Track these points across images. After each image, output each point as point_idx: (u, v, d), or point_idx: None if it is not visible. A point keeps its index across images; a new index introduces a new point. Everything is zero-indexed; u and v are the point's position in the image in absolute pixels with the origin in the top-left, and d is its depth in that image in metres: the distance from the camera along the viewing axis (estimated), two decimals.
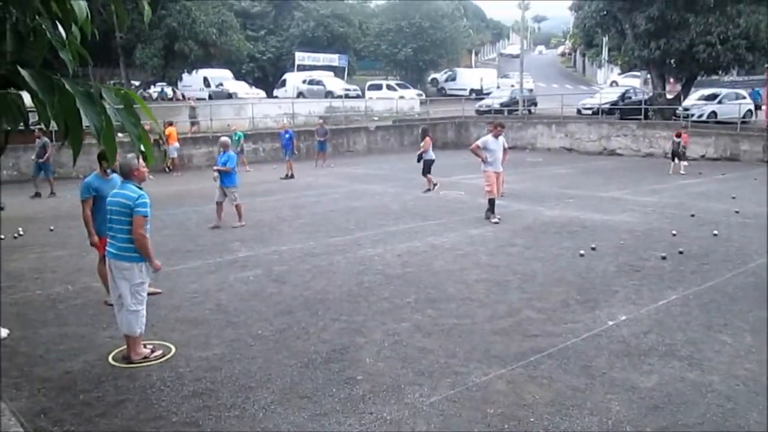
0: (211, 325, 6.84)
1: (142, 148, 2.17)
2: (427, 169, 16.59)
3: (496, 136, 12.36)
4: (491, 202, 12.36)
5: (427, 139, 16.85)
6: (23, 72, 1.78)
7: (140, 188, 5.81)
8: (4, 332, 6.62)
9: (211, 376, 5.53)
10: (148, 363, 5.79)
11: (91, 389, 5.33)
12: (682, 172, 19.65)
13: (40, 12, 1.92)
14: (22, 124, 2.19)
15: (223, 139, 12.99)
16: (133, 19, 29.16)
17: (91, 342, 6.42)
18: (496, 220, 12.12)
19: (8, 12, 1.93)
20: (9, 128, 2.08)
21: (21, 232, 11.97)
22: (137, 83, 36.96)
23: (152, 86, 39.29)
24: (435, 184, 16.54)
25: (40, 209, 15.20)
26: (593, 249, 9.80)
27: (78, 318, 7.20)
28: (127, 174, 5.86)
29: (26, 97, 2.09)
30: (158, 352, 5.95)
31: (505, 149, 12.75)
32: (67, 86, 1.77)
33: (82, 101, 1.78)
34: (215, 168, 12.59)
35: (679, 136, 20.53)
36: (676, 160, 20.11)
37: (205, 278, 8.73)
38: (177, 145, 23.47)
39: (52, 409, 4.98)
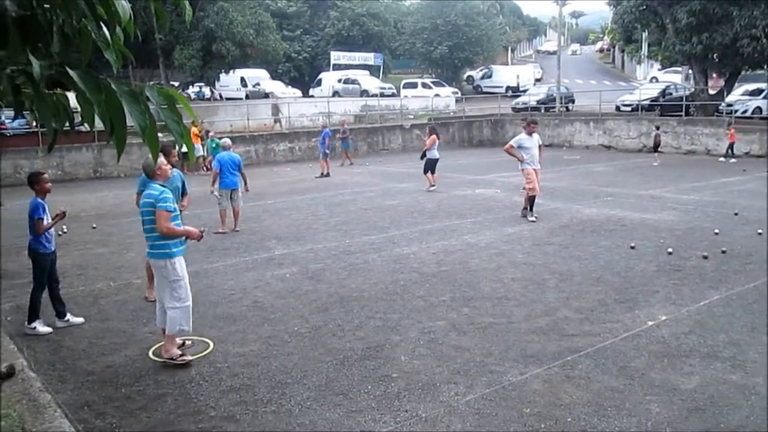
0: (248, 322, 6.93)
1: (184, 147, 2.22)
2: (428, 167, 16.63)
3: (530, 134, 12.22)
4: (532, 199, 12.16)
5: (432, 137, 16.83)
6: (71, 72, 1.83)
7: (164, 186, 5.92)
8: (79, 320, 7.08)
9: (248, 372, 5.61)
10: (174, 363, 5.75)
11: (132, 383, 5.45)
12: (655, 163, 21.60)
13: (86, 14, 1.98)
14: (67, 124, 2.25)
15: (225, 140, 12.65)
16: (172, 20, 29.80)
17: (132, 337, 6.57)
18: (533, 218, 11.99)
19: (55, 14, 1.99)
20: (57, 128, 2.14)
21: (65, 230, 12.28)
22: (176, 84, 37.60)
23: (190, 87, 39.92)
24: (432, 185, 16.56)
25: (84, 207, 15.57)
26: (632, 248, 9.64)
27: (119, 313, 7.37)
28: (151, 174, 6.01)
29: (71, 99, 2.16)
30: (188, 357, 5.83)
31: (540, 146, 12.52)
32: (113, 86, 1.82)
33: (127, 100, 1.83)
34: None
35: (658, 128, 23.40)
36: (655, 151, 22.55)
37: (243, 275, 8.85)
38: (199, 145, 23.54)
39: (95, 402, 5.11)
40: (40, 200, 6.80)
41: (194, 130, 23.33)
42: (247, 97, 37.98)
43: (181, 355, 5.80)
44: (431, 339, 6.23)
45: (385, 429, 4.56)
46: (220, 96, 39.45)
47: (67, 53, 2.04)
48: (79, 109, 2.01)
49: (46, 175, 7.06)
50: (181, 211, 8.02)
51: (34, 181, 6.91)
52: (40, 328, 6.73)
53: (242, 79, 39.94)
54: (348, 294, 7.80)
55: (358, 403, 4.95)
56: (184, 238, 5.90)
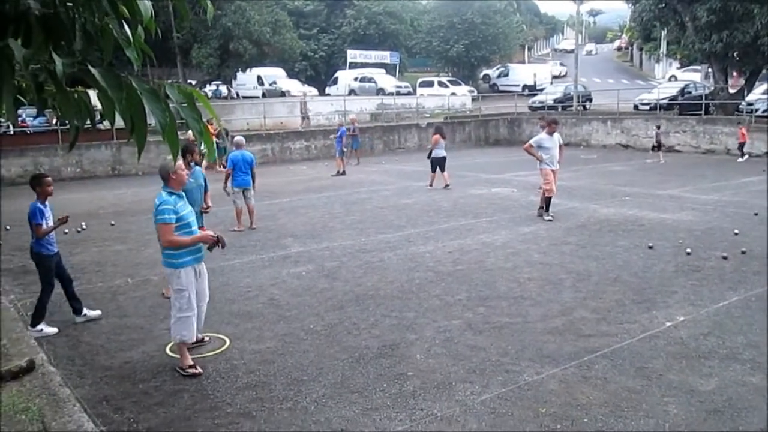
0: (265, 319, 6.96)
1: (203, 146, 2.24)
2: (434, 166, 16.77)
3: (550, 134, 12.12)
4: (548, 200, 12.12)
5: (436, 136, 16.91)
6: (93, 70, 1.85)
7: (172, 193, 5.56)
8: (96, 312, 7.17)
9: (264, 369, 5.63)
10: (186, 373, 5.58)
11: (149, 379, 5.50)
12: (661, 161, 21.81)
13: (108, 12, 2.00)
14: (89, 121, 2.28)
15: (238, 138, 12.58)
16: (190, 19, 30.02)
17: (150, 333, 6.63)
18: (549, 218, 11.93)
19: (77, 12, 2.01)
20: (78, 126, 2.16)
21: (84, 227, 12.41)
22: (193, 82, 37.85)
23: (208, 85, 40.16)
24: (430, 185, 16.72)
25: (102, 204, 15.73)
26: (650, 248, 9.56)
27: (137, 309, 7.44)
28: (165, 179, 5.62)
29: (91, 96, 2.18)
30: (197, 369, 5.58)
31: (561, 146, 12.42)
32: (134, 84, 1.84)
33: (147, 98, 1.84)
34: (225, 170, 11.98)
35: (659, 127, 23.66)
36: (656, 150, 22.53)
37: (259, 273, 8.89)
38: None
39: (113, 397, 5.17)
40: (39, 204, 6.67)
41: (209, 128, 23.48)
42: (263, 95, 38.13)
43: (190, 366, 5.57)
44: (447, 338, 6.22)
45: (401, 427, 4.56)
46: (237, 94, 39.63)
47: (89, 51, 2.07)
48: (100, 107, 2.04)
49: (49, 178, 6.92)
50: (205, 211, 8.12)
51: (36, 183, 6.76)
52: (46, 329, 6.71)
53: (259, 78, 40.09)
54: (363, 292, 7.82)
55: (373, 401, 4.96)
56: (200, 245, 5.63)
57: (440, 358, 5.74)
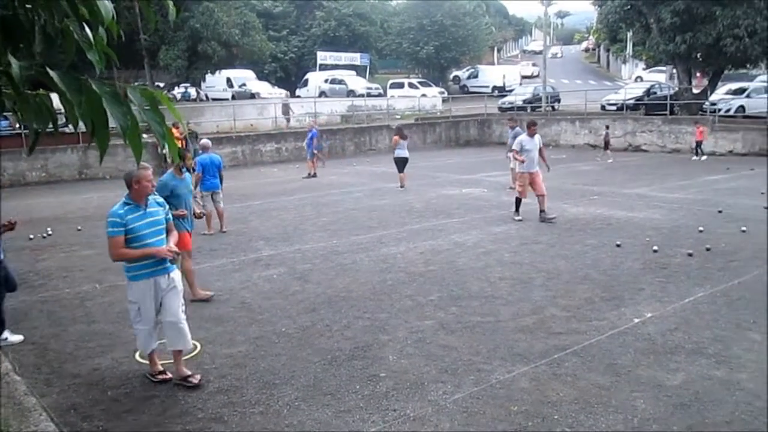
0: (236, 323, 6.91)
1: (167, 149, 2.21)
2: (400, 166, 17.07)
3: (531, 135, 12.12)
4: (517, 200, 12.22)
5: (396, 137, 17.24)
6: (51, 73, 1.82)
7: (128, 203, 5.20)
8: (18, 338, 6.58)
9: (236, 373, 5.59)
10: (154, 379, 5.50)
11: (118, 385, 5.42)
12: (610, 160, 22.41)
13: (68, 14, 1.96)
14: (51, 125, 2.23)
15: (204, 141, 12.47)
16: (157, 20, 29.62)
17: (119, 339, 6.53)
18: (519, 218, 12.04)
19: (37, 14, 1.98)
20: (39, 129, 2.12)
21: (49, 232, 12.19)
22: (161, 84, 37.42)
23: (176, 87, 39.72)
24: (402, 186, 16.91)
25: (69, 209, 15.45)
26: (618, 246, 9.70)
27: (106, 315, 7.32)
28: (127, 186, 5.25)
29: (55, 100, 2.14)
30: (167, 375, 5.43)
31: (541, 148, 12.37)
32: (94, 86, 1.81)
33: (108, 101, 1.81)
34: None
35: (608, 128, 24.87)
36: (605, 150, 23.42)
37: (230, 276, 8.82)
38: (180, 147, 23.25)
39: (81, 405, 5.08)
40: None
41: (175, 132, 23.17)
42: (233, 97, 37.87)
43: (159, 372, 5.46)
44: (419, 338, 6.24)
45: (374, 429, 4.56)
46: (206, 97, 39.29)
47: (51, 53, 2.03)
48: (64, 110, 2.00)
49: None
50: (199, 216, 8.06)
51: None
52: (11, 337, 6.50)
53: (228, 80, 39.82)
54: (336, 294, 7.80)
55: (346, 403, 4.95)
56: (159, 259, 5.23)
57: (413, 359, 5.75)
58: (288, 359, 5.85)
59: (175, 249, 5.41)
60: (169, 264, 5.36)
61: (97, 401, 5.14)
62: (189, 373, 5.40)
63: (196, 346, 6.20)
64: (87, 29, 2.12)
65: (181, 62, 32.01)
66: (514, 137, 16.35)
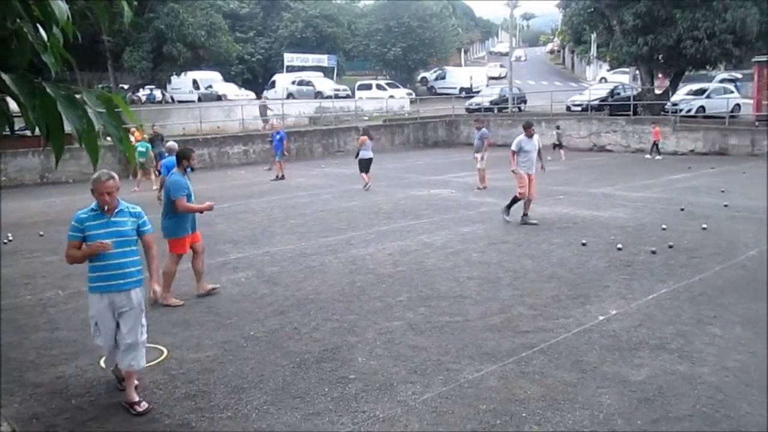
0: (204, 327, 6.83)
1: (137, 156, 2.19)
2: (362, 167, 17.18)
3: (529, 136, 11.76)
4: (515, 199, 11.87)
5: (363, 137, 17.45)
6: (3, 76, 1.78)
7: (94, 210, 4.98)
8: None
9: (203, 378, 5.53)
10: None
11: (83, 393, 5.32)
12: (563, 159, 22.98)
13: (21, 15, 1.92)
14: (7, 128, 2.19)
15: (170, 143, 12.35)
16: (120, 22, 29.13)
17: (83, 346, 6.40)
18: (508, 218, 11.79)
19: None
20: None
21: (10, 238, 11.90)
22: (126, 86, 36.84)
23: (141, 89, 39.14)
24: (367, 184, 17.03)
25: (30, 214, 15.11)
26: (584, 245, 9.85)
27: (69, 323, 7.18)
28: (92, 192, 4.99)
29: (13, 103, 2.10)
30: (141, 406, 4.99)
31: (540, 149, 11.97)
32: (48, 89, 1.77)
33: (63, 104, 1.78)
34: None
35: (559, 128, 25.31)
36: (557, 149, 23.89)
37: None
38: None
39: (44, 414, 4.97)
40: None
41: (137, 135, 22.79)
42: (199, 99, 37.46)
43: (124, 379, 5.17)
44: (388, 339, 6.25)
45: (343, 430, 4.56)
46: (172, 99, 38.78)
47: (4, 57, 1.98)
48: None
49: None
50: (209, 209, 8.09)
51: None
52: None
53: (194, 82, 39.39)
54: (304, 297, 7.77)
55: (315, 406, 4.93)
56: (120, 272, 4.93)
57: (382, 360, 5.76)
58: (257, 363, 5.81)
59: (157, 290, 5.25)
60: (129, 280, 4.95)
61: (60, 410, 5.04)
62: (137, 399, 5.00)
63: (162, 352, 6.13)
64: (42, 30, 2.07)
65: (145, 64, 31.56)
66: (481, 138, 16.53)
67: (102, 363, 5.87)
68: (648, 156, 23.02)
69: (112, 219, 4.97)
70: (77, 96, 1.82)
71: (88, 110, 1.84)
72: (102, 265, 4.90)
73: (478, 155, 16.43)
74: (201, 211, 7.95)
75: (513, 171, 11.83)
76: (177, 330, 6.77)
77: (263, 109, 31.50)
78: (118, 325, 4.97)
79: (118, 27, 27.46)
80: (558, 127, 25.70)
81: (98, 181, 4.88)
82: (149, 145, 20.05)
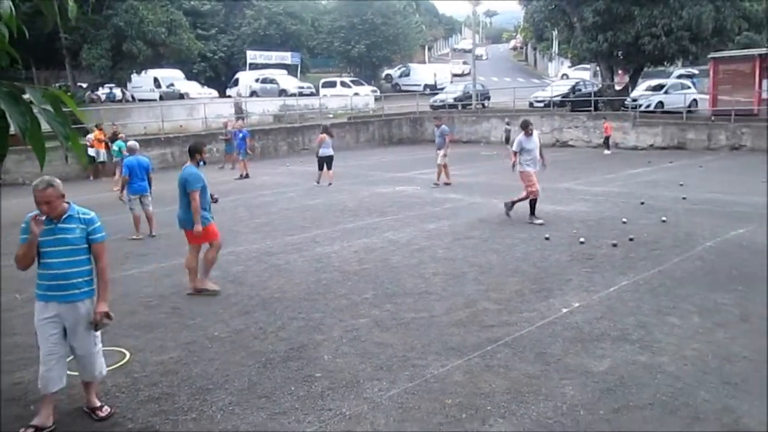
0: (167, 329, 6.74)
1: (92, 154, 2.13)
2: (321, 164, 17.49)
3: (528, 135, 11.52)
4: (533, 202, 11.47)
5: (322, 135, 17.82)
6: None
7: (50, 219, 4.63)
8: None
9: (167, 380, 5.45)
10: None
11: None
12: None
13: None
14: None
15: (131, 143, 12.23)
16: (78, 19, 28.49)
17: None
18: (540, 221, 11.21)
19: None
20: None
21: None
22: (84, 85, 36.06)
23: (100, 88, 38.35)
24: (317, 182, 17.40)
25: None
26: (547, 239, 9.97)
27: (27, 327, 6.95)
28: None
29: None
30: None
31: (540, 147, 11.78)
32: None
33: (6, 101, 1.72)
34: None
35: (509, 124, 26.07)
36: (508, 143, 23.83)
37: (160, 282, 8.60)
38: (103, 150, 22.41)
39: (2, 422, 4.84)
40: None
41: (97, 134, 22.35)
42: (161, 98, 36.87)
43: (95, 409, 4.90)
44: (354, 337, 6.25)
45: (309, 429, 4.54)
46: (132, 97, 38.11)
47: None
48: None
49: None
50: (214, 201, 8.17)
51: None
52: None
53: (155, 80, 38.73)
54: (270, 296, 7.72)
55: (281, 405, 4.90)
56: (57, 282, 4.65)
57: (348, 357, 5.75)
58: (221, 363, 5.75)
59: (104, 310, 4.74)
60: (76, 291, 4.67)
61: (19, 417, 4.92)
62: (98, 404, 4.90)
63: (125, 355, 6.03)
64: None
65: (104, 62, 30.92)
66: (441, 135, 16.62)
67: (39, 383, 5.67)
68: (607, 152, 23.50)
69: (59, 225, 4.65)
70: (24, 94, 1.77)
71: (33, 108, 1.79)
72: (47, 274, 4.65)
73: (440, 152, 16.55)
74: (195, 215, 7.68)
75: (520, 172, 11.63)
76: (140, 332, 6.67)
77: (237, 107, 31.30)
78: (65, 336, 4.70)
79: (72, 23, 26.92)
80: (508, 123, 26.41)
81: (35, 190, 4.55)
82: (123, 144, 19.70)
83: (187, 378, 5.49)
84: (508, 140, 24.82)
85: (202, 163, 8.09)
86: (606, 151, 23.49)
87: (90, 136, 22.54)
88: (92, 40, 30.31)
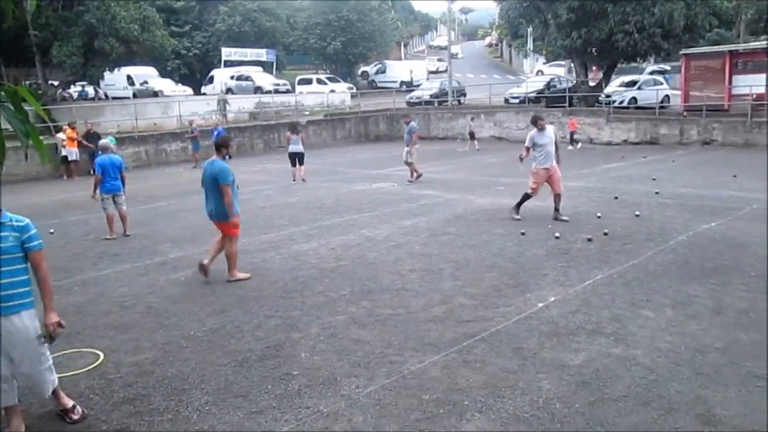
0: (142, 329, 6.66)
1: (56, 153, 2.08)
2: (292, 162, 17.79)
3: (541, 130, 11.10)
4: (525, 196, 11.40)
5: (287, 134, 18.33)
6: None
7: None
8: None
9: (142, 381, 5.39)
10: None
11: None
12: (477, 148, 25.32)
13: None
14: None
15: (103, 141, 12.10)
16: (47, 15, 27.94)
17: None
18: (518, 217, 11.24)
19: None
20: None
21: None
22: (56, 83, 35.45)
23: (72, 85, 37.74)
24: (294, 179, 17.60)
25: None
26: (523, 234, 10.04)
27: None
28: None
29: None
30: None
31: (556, 142, 11.29)
32: None
33: None
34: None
35: (473, 119, 27.43)
36: (471, 140, 26.14)
37: (135, 281, 8.50)
38: (74, 149, 22.12)
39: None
40: None
41: (69, 132, 22.03)
42: (134, 95, 36.41)
43: (68, 411, 4.79)
44: (331, 334, 6.23)
45: (286, 428, 4.52)
46: (105, 95, 37.57)
47: None
48: None
49: None
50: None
51: None
52: None
53: (129, 77, 38.23)
54: (246, 294, 7.67)
55: (258, 404, 4.88)
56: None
57: (325, 355, 5.74)
58: (197, 363, 5.70)
59: (54, 321, 4.49)
60: (11, 304, 4.32)
61: None
62: (70, 405, 4.78)
63: (98, 356, 5.95)
64: None
65: (76, 59, 30.36)
66: (409, 132, 16.66)
67: None
68: (575, 147, 23.97)
69: None
70: None
71: None
72: None
73: (409, 149, 16.65)
74: (229, 209, 8.07)
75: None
76: (114, 333, 6.58)
77: (223, 104, 31.42)
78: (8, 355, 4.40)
79: (37, 20, 26.37)
80: (472, 119, 27.26)
81: None
82: (115, 140, 20.36)
83: (162, 378, 5.43)
84: (472, 136, 25.98)
85: (228, 157, 8.37)
86: (570, 147, 23.86)
87: (61, 134, 22.22)
88: (63, 37, 29.77)
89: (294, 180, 17.54)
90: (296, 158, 17.68)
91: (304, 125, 30.32)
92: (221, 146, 8.30)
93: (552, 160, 11.14)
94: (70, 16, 28.79)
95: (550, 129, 11.24)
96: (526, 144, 11.36)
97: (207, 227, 11.74)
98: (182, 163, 25.16)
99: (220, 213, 8.14)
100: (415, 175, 16.57)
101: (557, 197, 11.28)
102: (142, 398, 5.09)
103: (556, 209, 11.27)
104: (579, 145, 24.18)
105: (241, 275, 8.36)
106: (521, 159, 11.53)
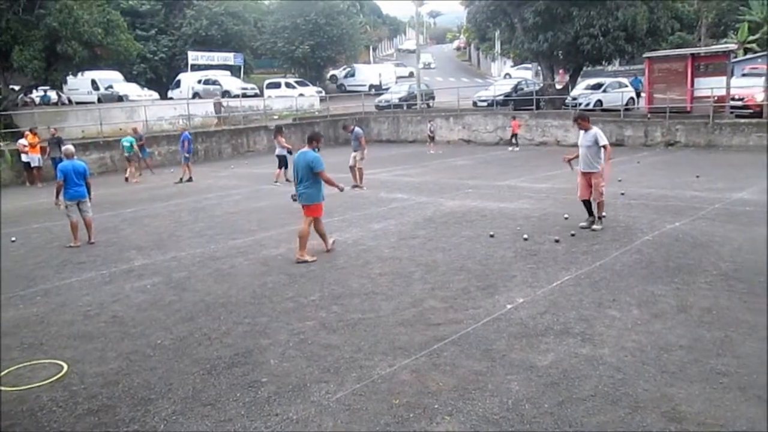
0: (107, 339, 6.54)
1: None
2: (279, 164, 18.40)
3: (582, 130, 10.35)
4: (587, 204, 10.54)
5: (280, 137, 18.89)
6: None
7: None
8: None
9: (107, 392, 5.29)
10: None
11: None
12: (431, 152, 25.73)
13: None
14: None
15: (66, 147, 11.85)
16: (8, 19, 27.31)
17: None
18: (598, 226, 10.34)
19: None
20: None
21: None
22: (17, 88, 34.66)
23: (34, 90, 36.93)
24: (276, 181, 18.01)
25: None
26: (492, 236, 10.10)
27: None
28: None
29: None
30: None
31: (605, 146, 10.10)
32: None
33: None
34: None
35: (431, 122, 28.32)
36: (431, 142, 27.17)
37: (100, 290, 8.34)
38: (37, 156, 21.67)
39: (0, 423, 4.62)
40: None
41: (31, 138, 21.57)
42: (99, 100, 35.79)
43: None
44: (301, 340, 6.19)
45: None
46: (69, 100, 36.85)
47: None
48: None
49: None
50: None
51: None
52: None
53: (93, 82, 37.56)
54: (214, 301, 7.58)
55: (227, 412, 4.81)
56: None
57: (295, 361, 5.69)
58: (164, 372, 5.61)
59: None
60: None
61: None
62: None
63: (62, 367, 5.82)
64: None
65: (38, 63, 29.69)
66: (356, 138, 16.72)
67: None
68: (514, 148, 24.77)
69: None
70: None
71: None
72: None
73: (356, 154, 16.72)
74: (334, 185, 9.56)
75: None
76: (78, 343, 6.45)
77: (218, 107, 31.63)
78: None
79: (6, 25, 25.81)
80: (430, 121, 28.14)
81: None
82: (133, 140, 21.49)
83: (128, 389, 5.33)
84: (432, 139, 27.04)
85: (317, 149, 9.38)
86: (510, 148, 24.46)
87: (23, 141, 21.72)
88: (24, 41, 29.09)
89: (275, 181, 18.12)
90: (279, 160, 18.44)
91: (273, 130, 30.17)
92: (312, 139, 9.46)
93: (587, 165, 10.27)
94: (31, 20, 28.19)
95: (594, 130, 10.22)
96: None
97: (173, 234, 11.63)
98: (148, 168, 24.79)
99: (309, 195, 9.20)
100: (359, 180, 16.53)
101: (600, 204, 10.49)
102: (107, 409, 4.99)
103: (593, 214, 10.52)
104: (518, 148, 25.23)
105: (308, 257, 9.12)
106: (568, 161, 11.02)
